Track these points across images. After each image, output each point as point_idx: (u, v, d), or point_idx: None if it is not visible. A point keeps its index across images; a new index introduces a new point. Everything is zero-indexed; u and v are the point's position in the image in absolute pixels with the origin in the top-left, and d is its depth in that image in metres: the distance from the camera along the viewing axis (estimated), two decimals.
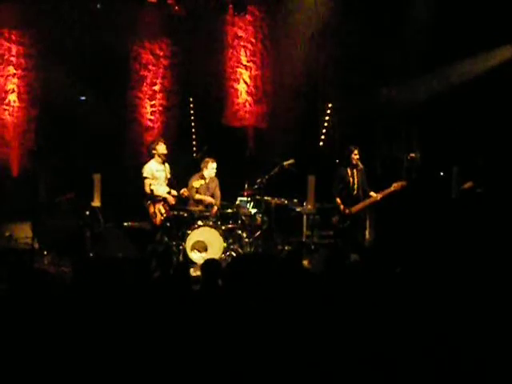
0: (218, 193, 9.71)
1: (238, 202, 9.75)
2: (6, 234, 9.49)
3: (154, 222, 9.13)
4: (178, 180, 9.38)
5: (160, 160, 9.21)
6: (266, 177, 9.55)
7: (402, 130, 10.97)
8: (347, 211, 9.09)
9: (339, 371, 3.97)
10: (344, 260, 5.83)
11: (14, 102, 10.47)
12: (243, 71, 11.30)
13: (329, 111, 11.43)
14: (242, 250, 9.38)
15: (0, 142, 10.43)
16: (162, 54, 11.11)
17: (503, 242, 8.34)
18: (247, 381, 3.94)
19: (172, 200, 9.21)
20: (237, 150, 11.18)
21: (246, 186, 9.71)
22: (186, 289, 5.27)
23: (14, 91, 10.46)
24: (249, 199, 9.70)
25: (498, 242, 8.39)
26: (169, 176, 9.31)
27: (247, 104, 11.33)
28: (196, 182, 9.45)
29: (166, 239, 9.18)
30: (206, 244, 9.11)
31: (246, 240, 9.44)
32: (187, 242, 9.02)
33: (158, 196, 9.11)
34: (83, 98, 10.73)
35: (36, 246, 9.39)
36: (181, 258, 9.03)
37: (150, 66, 11.06)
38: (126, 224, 9.91)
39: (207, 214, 9.39)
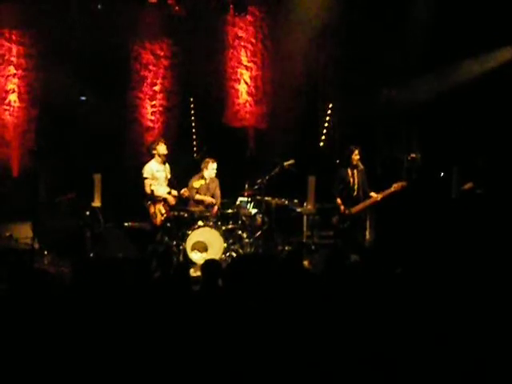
0: (218, 193, 9.71)
1: (238, 203, 9.74)
2: (6, 234, 9.48)
3: (154, 222, 9.14)
4: (178, 180, 9.39)
5: (160, 160, 9.21)
6: (267, 177, 9.55)
7: (402, 131, 10.97)
8: (347, 212, 9.09)
9: (339, 371, 3.97)
10: (344, 260, 5.83)
11: (15, 102, 10.47)
12: (244, 71, 11.30)
13: (329, 111, 11.43)
14: (242, 250, 9.38)
15: (0, 141, 10.44)
16: (162, 54, 11.11)
17: (503, 243, 8.34)
18: (247, 381, 3.94)
19: (172, 200, 9.22)
20: (237, 151, 11.19)
21: (247, 186, 9.71)
22: (186, 289, 5.27)
23: (14, 91, 10.47)
24: (249, 199, 9.70)
25: (498, 242, 8.39)
26: (169, 176, 9.31)
27: (247, 104, 11.33)
28: (196, 183, 9.45)
29: (167, 239, 9.18)
30: (206, 244, 9.11)
31: (247, 240, 9.44)
32: (187, 242, 9.02)
33: (158, 196, 9.12)
34: (84, 98, 10.72)
35: (36, 246, 9.38)
36: (181, 258, 9.03)
37: (151, 67, 11.06)
38: (126, 224, 9.91)
39: (207, 214, 9.39)
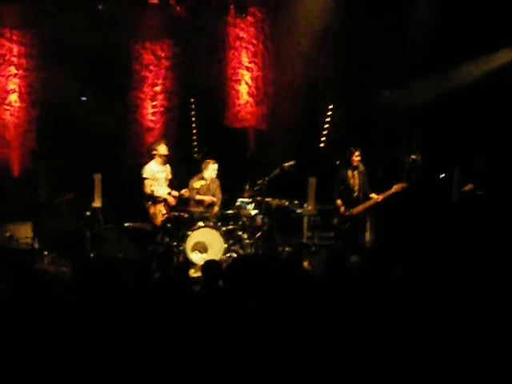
0: (218, 194, 9.71)
1: (238, 203, 9.74)
2: (7, 234, 9.48)
3: (154, 222, 9.14)
4: (178, 181, 9.39)
5: (160, 161, 9.21)
6: (267, 178, 9.55)
7: (402, 132, 10.95)
8: (347, 213, 9.09)
9: (339, 372, 3.96)
10: (344, 261, 5.83)
11: (15, 102, 10.46)
12: (244, 72, 11.29)
13: (330, 113, 11.42)
14: (242, 251, 9.38)
15: (1, 142, 10.42)
16: (163, 54, 11.09)
17: (503, 244, 8.34)
18: (248, 381, 3.94)
19: (172, 201, 9.22)
20: (238, 151, 11.18)
21: (247, 187, 9.71)
22: (187, 290, 5.26)
23: (14, 91, 10.45)
24: (249, 200, 9.69)
25: (499, 244, 8.39)
26: (169, 177, 9.31)
27: (248, 105, 11.32)
28: (196, 183, 9.46)
29: (167, 240, 9.18)
30: (206, 245, 9.11)
31: (247, 241, 9.44)
32: (188, 242, 9.02)
33: (158, 197, 9.12)
34: (84, 98, 10.72)
35: (36, 246, 9.40)
36: (181, 258, 9.02)
37: (152, 67, 11.05)
38: (126, 225, 9.91)
39: (208, 214, 9.39)
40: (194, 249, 9.06)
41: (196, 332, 4.24)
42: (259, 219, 9.59)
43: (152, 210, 9.12)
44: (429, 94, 10.46)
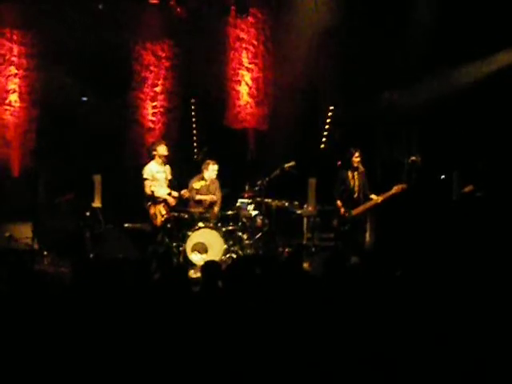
0: (218, 194, 9.71)
1: (238, 204, 9.73)
2: (6, 234, 9.48)
3: (154, 223, 9.14)
4: (178, 181, 9.39)
5: (161, 161, 9.22)
6: (267, 179, 9.56)
7: (402, 133, 10.96)
8: (347, 214, 9.09)
9: (339, 374, 3.96)
10: (344, 262, 5.82)
11: (15, 102, 10.48)
12: (245, 73, 11.30)
13: (330, 114, 11.42)
14: (242, 251, 9.37)
15: (1, 141, 10.44)
16: (163, 55, 11.11)
17: (503, 246, 8.33)
18: (247, 382, 3.93)
19: (172, 201, 9.22)
20: (238, 152, 11.19)
21: (247, 187, 9.71)
22: (186, 290, 5.26)
23: (15, 91, 10.47)
24: (249, 201, 9.69)
25: (498, 245, 8.39)
26: (169, 177, 9.31)
27: (248, 106, 11.33)
28: (196, 184, 9.46)
29: (167, 240, 9.19)
30: (206, 245, 9.10)
31: (247, 242, 9.44)
32: (187, 243, 9.02)
33: (158, 197, 9.12)
34: (84, 98, 10.72)
35: (36, 246, 9.40)
36: (181, 259, 9.02)
37: (152, 67, 11.06)
38: (126, 225, 9.92)
39: (208, 215, 9.39)
40: (193, 249, 9.05)
41: (195, 333, 4.23)
42: (259, 220, 9.59)
43: (152, 210, 9.12)
44: (429, 95, 10.46)
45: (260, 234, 9.53)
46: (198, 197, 9.51)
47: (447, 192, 9.84)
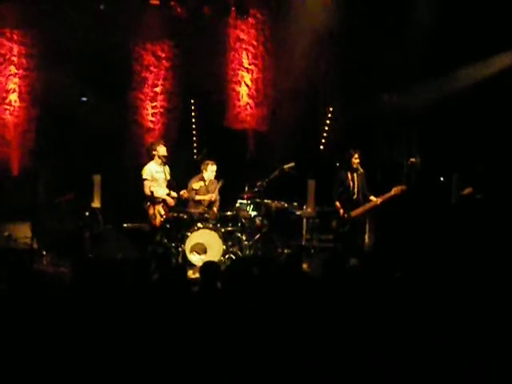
0: (217, 195, 9.70)
1: (237, 205, 9.74)
2: (6, 234, 9.48)
3: (153, 223, 9.14)
4: (177, 182, 9.39)
5: (160, 162, 9.22)
6: (267, 180, 9.56)
7: (402, 135, 10.97)
8: (346, 216, 9.09)
9: (338, 375, 3.96)
10: (343, 264, 5.82)
11: (15, 101, 10.47)
12: (245, 74, 11.29)
13: (329, 115, 11.43)
14: (241, 252, 9.38)
15: (0, 141, 10.43)
16: (163, 55, 11.11)
17: (502, 248, 8.34)
18: (246, 383, 3.94)
19: (171, 202, 9.22)
20: (237, 153, 11.19)
21: (246, 188, 9.71)
22: (185, 291, 5.26)
23: (15, 91, 10.46)
24: (249, 202, 9.69)
25: (498, 247, 8.39)
26: (168, 178, 9.31)
27: (248, 107, 11.32)
28: (195, 184, 9.47)
29: (166, 241, 9.19)
30: (205, 246, 9.10)
31: (246, 243, 9.44)
32: (186, 243, 9.01)
33: (157, 197, 9.12)
34: (84, 98, 10.72)
35: (35, 246, 9.39)
36: (180, 259, 9.02)
37: (152, 68, 11.06)
38: (125, 225, 9.91)
39: (207, 216, 9.39)
40: (192, 250, 9.05)
41: (194, 333, 4.23)
42: (258, 221, 9.60)
43: (151, 210, 9.12)
44: (428, 97, 10.46)
45: (259, 235, 9.54)
46: (198, 197, 9.51)
47: (446, 194, 9.84)
